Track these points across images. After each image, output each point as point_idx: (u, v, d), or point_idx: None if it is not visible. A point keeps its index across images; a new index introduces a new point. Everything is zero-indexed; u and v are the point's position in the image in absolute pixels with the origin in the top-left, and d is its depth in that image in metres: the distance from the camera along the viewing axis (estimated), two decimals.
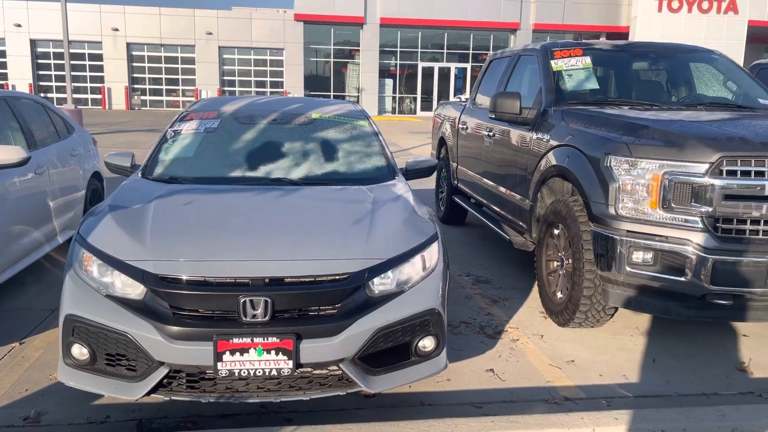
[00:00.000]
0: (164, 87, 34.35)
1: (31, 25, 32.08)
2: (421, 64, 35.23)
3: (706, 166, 3.55)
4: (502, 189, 5.59)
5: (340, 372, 2.84)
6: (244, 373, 2.69)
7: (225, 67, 34.83)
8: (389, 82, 36.02)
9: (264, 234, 3.03)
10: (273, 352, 2.69)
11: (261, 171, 3.88)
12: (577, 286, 4.10)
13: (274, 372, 2.71)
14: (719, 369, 3.81)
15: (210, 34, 33.95)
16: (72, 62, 32.76)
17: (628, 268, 3.75)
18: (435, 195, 8.50)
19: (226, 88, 34.77)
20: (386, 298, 2.94)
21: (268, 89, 34.94)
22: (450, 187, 7.52)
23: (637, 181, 3.74)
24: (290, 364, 2.71)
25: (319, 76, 35.82)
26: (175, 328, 2.67)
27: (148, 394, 2.72)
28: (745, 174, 3.53)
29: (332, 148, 4.20)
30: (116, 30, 33.18)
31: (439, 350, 3.11)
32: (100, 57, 33.46)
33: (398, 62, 35.55)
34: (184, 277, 2.74)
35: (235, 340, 2.66)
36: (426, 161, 4.32)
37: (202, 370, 2.73)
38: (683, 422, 2.83)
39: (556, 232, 4.44)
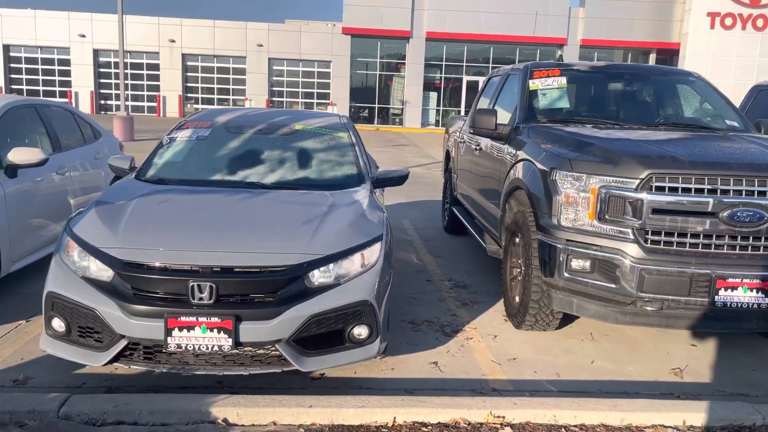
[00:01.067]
0: (216, 96, 35.65)
1: (94, 36, 33.87)
2: (465, 78, 35.49)
3: (637, 181, 3.83)
4: (484, 200, 5.92)
5: (277, 352, 3.25)
6: (190, 347, 3.14)
7: (274, 78, 35.93)
8: (433, 95, 36.41)
9: (219, 229, 3.48)
10: (215, 330, 3.13)
11: (239, 175, 4.36)
12: (526, 291, 4.42)
13: (216, 348, 3.14)
14: (652, 373, 4.05)
15: (260, 46, 35.10)
16: (131, 71, 34.54)
17: (566, 275, 4.05)
18: (441, 205, 8.85)
19: (274, 98, 35.84)
20: (323, 288, 3.35)
21: (315, 100, 35.83)
22: (451, 197, 7.87)
23: (577, 194, 4.04)
24: (230, 341, 3.14)
25: (364, 87, 36.52)
26: (134, 306, 3.14)
27: (111, 362, 3.20)
28: (673, 190, 3.80)
29: (308, 157, 4.65)
30: (173, 41, 34.69)
31: (372, 338, 3.49)
32: (157, 67, 35.00)
33: (443, 76, 35.95)
34: (144, 263, 3.22)
35: (183, 319, 3.11)
36: (396, 171, 4.71)
37: (157, 344, 3.19)
38: (575, 410, 3.12)
39: (517, 240, 4.75)
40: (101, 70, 34.84)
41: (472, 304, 5.27)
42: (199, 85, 35.66)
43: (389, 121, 36.57)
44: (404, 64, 35.88)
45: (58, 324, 3.32)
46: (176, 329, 3.12)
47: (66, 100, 33.94)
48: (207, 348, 3.14)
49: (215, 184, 4.21)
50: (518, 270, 4.78)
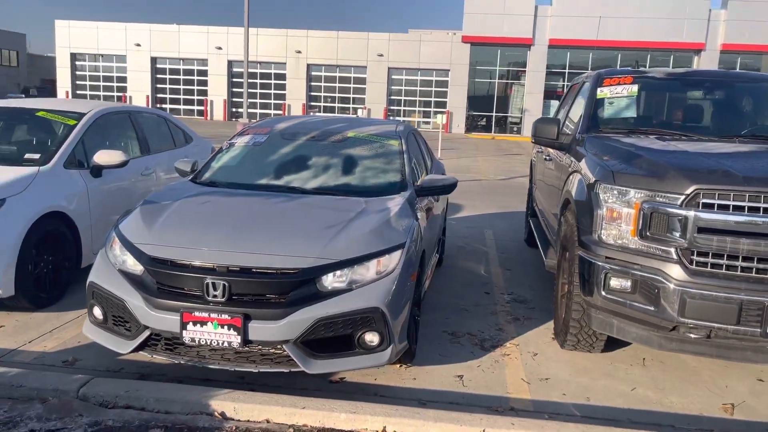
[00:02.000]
0: (337, 105, 36.86)
1: (229, 48, 36.19)
2: None
3: (682, 197, 3.53)
4: (549, 212, 5.70)
5: (285, 352, 3.34)
6: (203, 342, 3.30)
7: (393, 87, 36.57)
8: (555, 103, 35.32)
9: (243, 230, 3.63)
10: (225, 327, 3.27)
11: (283, 180, 4.52)
12: (568, 309, 4.21)
13: (225, 344, 3.29)
14: (698, 406, 3.71)
15: (381, 55, 35.89)
16: (260, 81, 36.55)
17: (605, 294, 3.81)
18: (525, 217, 8.61)
19: (392, 107, 36.46)
20: (335, 293, 3.40)
21: (432, 109, 35.99)
22: (530, 208, 7.64)
23: (619, 209, 3.79)
24: (239, 339, 3.27)
25: (482, 96, 36.23)
26: (156, 299, 3.36)
27: (136, 350, 3.44)
28: (723, 208, 3.47)
29: (353, 164, 4.72)
30: (299, 52, 36.33)
31: (383, 346, 3.49)
32: (283, 77, 36.80)
33: (565, 83, 34.83)
34: (168, 259, 3.44)
35: (197, 314, 3.29)
36: (442, 180, 4.66)
37: (176, 336, 3.39)
38: None
39: (567, 255, 4.54)
40: (234, 80, 37.14)
41: (524, 320, 5.09)
42: (322, 94, 37.05)
43: (507, 130, 36.00)
44: (524, 71, 35.19)
45: (97, 312, 3.62)
46: (191, 323, 3.29)
47: (201, 107, 36.59)
48: (218, 343, 3.29)
49: (259, 188, 4.39)
50: (567, 286, 4.56)
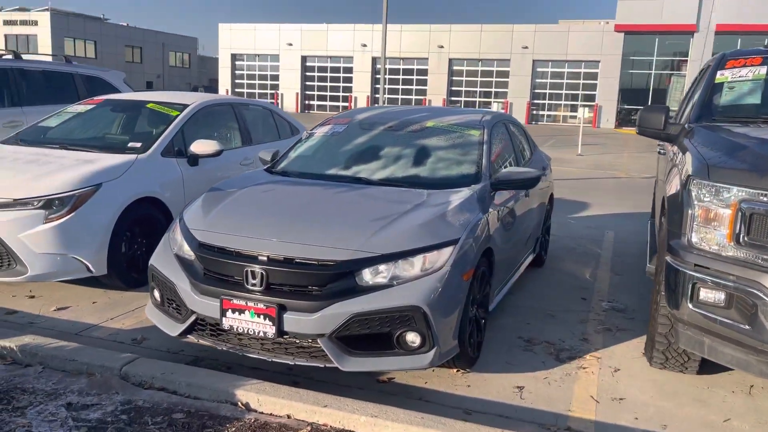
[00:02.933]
0: (478, 99, 36.31)
1: (373, 45, 37.00)
2: None
3: None
4: (658, 212, 5.09)
5: (319, 346, 3.23)
6: (241, 329, 3.28)
7: (537, 80, 35.33)
8: None
9: (292, 220, 3.55)
10: (261, 316, 3.22)
11: (352, 170, 4.40)
12: (654, 322, 3.70)
13: (261, 333, 3.24)
14: None
15: (525, 48, 34.79)
16: (402, 77, 36.97)
17: (692, 307, 3.28)
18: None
19: (536, 101, 35.26)
20: (374, 288, 3.23)
21: (580, 102, 34.29)
22: (652, 209, 6.92)
23: (713, 209, 3.25)
24: (273, 329, 3.20)
25: (635, 88, 33.88)
26: (201, 285, 3.39)
27: (183, 334, 3.49)
28: None
29: (426, 154, 4.49)
30: (441, 47, 36.23)
31: (425, 348, 3.26)
32: (425, 72, 36.92)
33: None
34: (214, 245, 3.45)
35: (235, 302, 3.27)
36: (523, 173, 4.30)
37: (218, 323, 3.39)
38: None
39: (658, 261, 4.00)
40: (378, 76, 37.85)
41: (617, 330, 4.57)
42: (463, 88, 36.68)
43: None
44: (686, 61, 32.39)
45: (156, 294, 3.73)
46: (230, 311, 3.28)
47: (346, 104, 37.76)
48: (254, 332, 3.25)
49: (326, 178, 4.31)
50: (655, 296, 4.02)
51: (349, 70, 38.37)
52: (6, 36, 48.05)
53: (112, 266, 4.76)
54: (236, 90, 40.63)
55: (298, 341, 3.28)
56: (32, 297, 4.75)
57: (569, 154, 19.02)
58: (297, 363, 3.27)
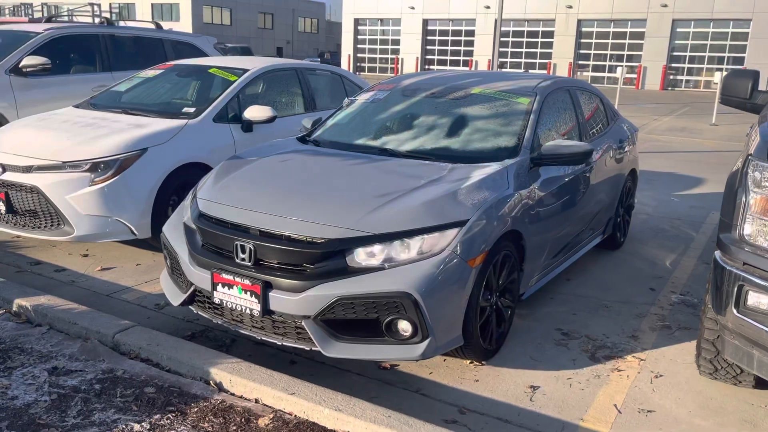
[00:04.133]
0: (607, 63, 34.04)
1: (425, 8, 35.59)
2: None
3: None
4: None
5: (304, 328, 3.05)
6: (230, 305, 3.17)
7: (676, 42, 32.47)
8: None
9: (294, 193, 3.36)
10: (248, 293, 3.09)
11: (380, 140, 4.13)
12: (701, 326, 3.16)
13: (247, 311, 3.11)
14: None
15: (665, 6, 32.02)
16: (526, 39, 35.47)
17: (736, 313, 2.74)
18: None
19: (674, 64, 32.48)
20: (365, 270, 2.99)
21: (725, 66, 31.11)
22: None
23: None
24: (259, 307, 3.06)
25: None
26: (197, 256, 3.31)
27: (183, 304, 3.44)
28: None
29: (463, 124, 4.11)
30: (570, 7, 34.20)
31: (418, 338, 2.98)
32: (551, 34, 35.10)
33: None
34: (213, 216, 3.35)
35: (225, 276, 3.15)
36: (570, 147, 3.81)
37: (211, 296, 3.30)
38: None
39: None
40: (502, 39, 36.52)
41: (677, 329, 4.00)
42: (592, 51, 34.53)
43: None
44: None
45: (167, 262, 3.72)
46: (220, 285, 3.18)
47: (466, 68, 36.81)
48: (241, 309, 3.13)
49: (353, 149, 4.07)
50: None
51: (471, 33, 37.33)
52: (152, 5, 51.49)
53: (157, 230, 4.85)
54: (357, 55, 40.97)
55: (286, 321, 3.12)
56: (86, 255, 4.97)
57: (701, 124, 17.36)
58: (285, 344, 3.12)
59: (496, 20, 35.99)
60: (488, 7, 36.18)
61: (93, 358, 3.08)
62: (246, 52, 32.90)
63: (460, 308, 3.11)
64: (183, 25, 48.26)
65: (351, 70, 39.74)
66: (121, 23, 10.75)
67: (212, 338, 3.63)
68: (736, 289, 2.73)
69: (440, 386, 3.22)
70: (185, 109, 5.41)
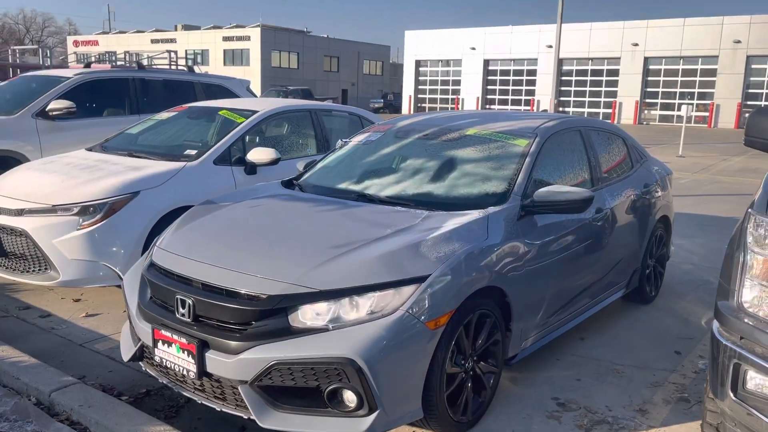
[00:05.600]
0: (677, 101, 32.77)
1: (486, 48, 35.19)
2: None
3: None
4: None
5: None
6: (169, 364, 2.92)
7: (751, 79, 30.96)
8: None
9: (246, 243, 3.11)
10: (185, 352, 2.83)
11: (362, 185, 3.85)
12: (704, 409, 2.66)
13: (183, 372, 2.84)
14: None
15: (738, 42, 30.68)
16: (590, 78, 34.70)
17: (732, 397, 2.27)
18: None
19: (750, 102, 30.92)
20: (309, 331, 2.68)
21: None
22: None
23: None
24: (194, 368, 2.79)
25: None
26: (144, 309, 3.09)
27: (132, 359, 3.22)
28: None
29: (452, 168, 3.78)
30: (636, 45, 33.33)
31: (363, 411, 2.63)
32: (616, 72, 34.21)
33: None
34: (159, 266, 3.13)
35: (164, 333, 2.91)
36: (564, 193, 3.41)
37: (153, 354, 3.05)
38: None
39: None
40: (562, 78, 35.93)
41: (697, 403, 3.47)
42: (660, 89, 33.37)
43: None
44: None
45: (127, 313, 3.52)
46: (160, 342, 2.94)
47: (528, 107, 36.28)
48: (179, 369, 2.87)
49: (333, 194, 3.80)
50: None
51: (533, 72, 36.88)
52: (225, 51, 53.76)
53: None
54: (419, 96, 41.18)
55: (224, 385, 2.83)
56: (78, 300, 4.87)
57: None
58: (223, 410, 2.83)
59: (560, 59, 35.56)
60: (550, 46, 35.65)
61: (22, 418, 2.88)
62: (306, 94, 33.64)
63: (417, 376, 2.74)
64: (253, 69, 50.03)
65: (412, 111, 39.91)
66: (196, 69, 10.98)
67: (167, 397, 3.38)
68: (732, 367, 2.26)
69: None
70: (187, 152, 5.32)
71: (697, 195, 10.93)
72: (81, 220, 4.49)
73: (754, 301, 2.26)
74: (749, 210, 2.36)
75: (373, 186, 3.81)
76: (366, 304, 2.70)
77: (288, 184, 4.17)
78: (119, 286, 4.74)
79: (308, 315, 2.71)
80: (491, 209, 3.34)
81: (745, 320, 2.26)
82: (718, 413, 2.53)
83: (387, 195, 3.66)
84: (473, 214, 3.26)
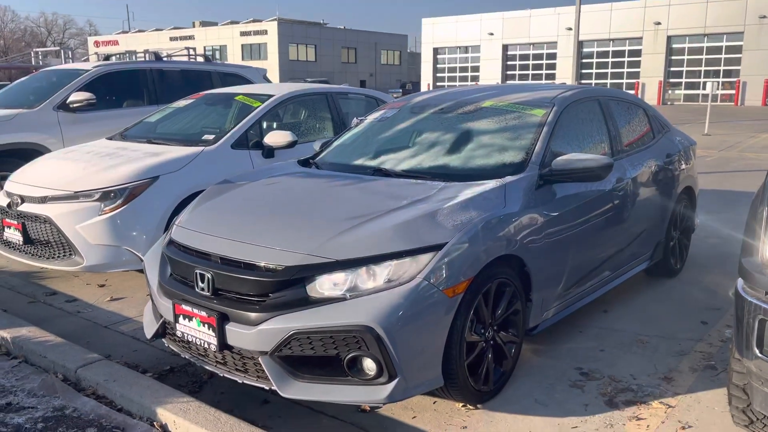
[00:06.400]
0: (701, 80, 32.14)
1: (504, 33, 34.75)
2: None
3: None
4: None
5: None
6: (190, 338, 2.94)
7: None
8: None
9: (261, 218, 3.12)
10: (205, 326, 2.85)
11: (378, 160, 3.83)
12: (729, 370, 2.61)
13: (205, 345, 2.87)
14: None
15: (763, 17, 29.97)
16: (612, 60, 34.19)
17: (759, 354, 2.22)
18: None
19: None
20: (326, 301, 2.68)
21: None
22: None
23: None
24: (215, 341, 2.81)
25: None
26: (164, 286, 3.12)
27: (155, 336, 3.25)
28: None
29: (468, 139, 3.74)
30: (658, 24, 32.76)
31: (384, 378, 2.63)
32: (638, 53, 33.67)
33: None
34: (178, 242, 3.16)
35: (185, 307, 2.94)
36: (582, 161, 3.36)
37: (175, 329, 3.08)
38: None
39: None
40: (583, 60, 35.43)
41: (724, 370, 3.40)
42: (684, 68, 32.75)
43: None
44: None
45: (149, 291, 3.56)
46: (181, 317, 2.97)
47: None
48: (200, 343, 2.90)
49: (350, 170, 3.79)
50: None
51: (553, 56, 36.44)
52: (242, 46, 53.99)
53: None
54: (437, 84, 40.94)
55: (245, 357, 2.85)
56: (102, 285, 4.94)
57: None
58: (245, 382, 2.84)
59: (580, 42, 35.07)
60: (570, 29, 35.16)
61: (50, 393, 2.94)
62: None
63: (436, 344, 2.73)
64: (271, 63, 50.18)
65: None
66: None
67: (191, 373, 3.41)
68: (757, 324, 2.21)
69: None
70: (205, 137, 5.35)
71: (724, 172, 10.72)
72: (102, 205, 4.55)
73: None
74: None
75: (389, 161, 3.79)
76: (383, 272, 2.69)
77: (305, 162, 4.18)
78: (141, 271, 4.81)
79: (326, 285, 2.71)
80: (508, 178, 3.30)
81: None
82: (745, 374, 2.48)
83: (403, 169, 3.64)
84: (490, 184, 3.23)
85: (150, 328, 3.33)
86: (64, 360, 3.17)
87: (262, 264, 2.78)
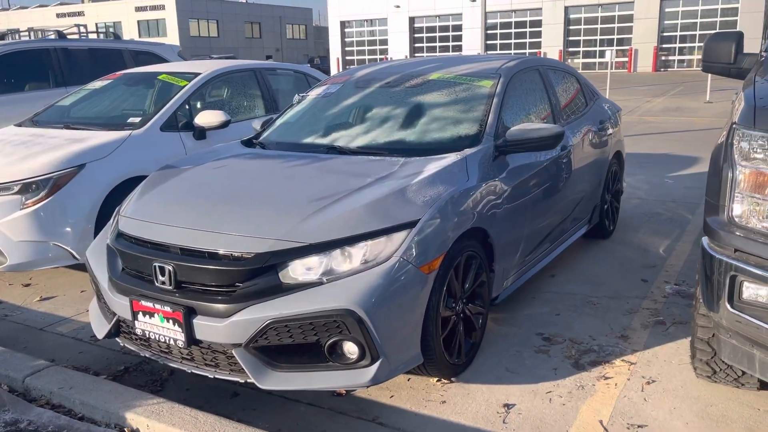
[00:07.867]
0: (597, 48, 33.57)
1: (410, 6, 35.30)
2: None
3: None
4: None
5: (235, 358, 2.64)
6: (152, 336, 2.77)
7: (666, 22, 31.98)
8: None
9: (218, 203, 2.96)
10: (170, 321, 2.69)
11: (329, 138, 3.73)
12: (694, 325, 2.75)
13: (171, 341, 2.71)
14: None
15: None
16: (515, 30, 35.04)
17: (729, 308, 2.33)
18: None
19: (665, 45, 31.96)
20: (301, 287, 2.58)
21: None
22: None
23: (763, 171, 2.26)
24: (182, 337, 2.66)
25: None
26: (117, 282, 2.91)
27: (108, 336, 3.03)
28: None
29: (420, 114, 3.71)
30: None
31: (366, 361, 2.58)
32: (539, 23, 34.67)
33: None
34: (129, 234, 2.95)
35: (145, 303, 2.75)
36: (536, 130, 3.40)
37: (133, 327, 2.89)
38: None
39: None
40: (488, 32, 36.11)
41: (672, 324, 3.59)
42: (581, 37, 34.06)
43: None
44: None
45: (94, 289, 3.32)
46: (140, 313, 2.78)
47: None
48: (165, 339, 2.73)
49: (300, 149, 3.67)
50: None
51: (458, 28, 36.91)
52: (138, 22, 51.20)
53: None
54: (346, 58, 40.58)
55: (216, 350, 2.71)
56: (27, 285, 4.58)
57: (695, 102, 16.91)
58: (218, 377, 2.71)
59: (485, 12, 35.68)
60: (474, 0, 35.75)
61: None
62: None
63: (415, 322, 2.71)
64: (171, 39, 47.87)
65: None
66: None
67: (148, 372, 3.23)
68: (728, 280, 2.32)
69: (401, 412, 2.81)
70: (130, 120, 5.02)
71: (629, 135, 11.26)
72: (24, 198, 4.18)
73: (745, 214, 2.32)
74: (734, 125, 2.39)
75: (342, 138, 3.70)
76: (359, 253, 2.62)
77: (248, 143, 4.00)
78: (74, 266, 4.48)
79: (299, 270, 2.62)
80: (467, 151, 3.30)
81: (738, 233, 2.32)
82: (710, 327, 2.61)
83: (358, 145, 3.56)
84: (451, 157, 3.21)
85: (101, 328, 3.10)
86: (6, 369, 2.90)
87: (229, 252, 2.64)
